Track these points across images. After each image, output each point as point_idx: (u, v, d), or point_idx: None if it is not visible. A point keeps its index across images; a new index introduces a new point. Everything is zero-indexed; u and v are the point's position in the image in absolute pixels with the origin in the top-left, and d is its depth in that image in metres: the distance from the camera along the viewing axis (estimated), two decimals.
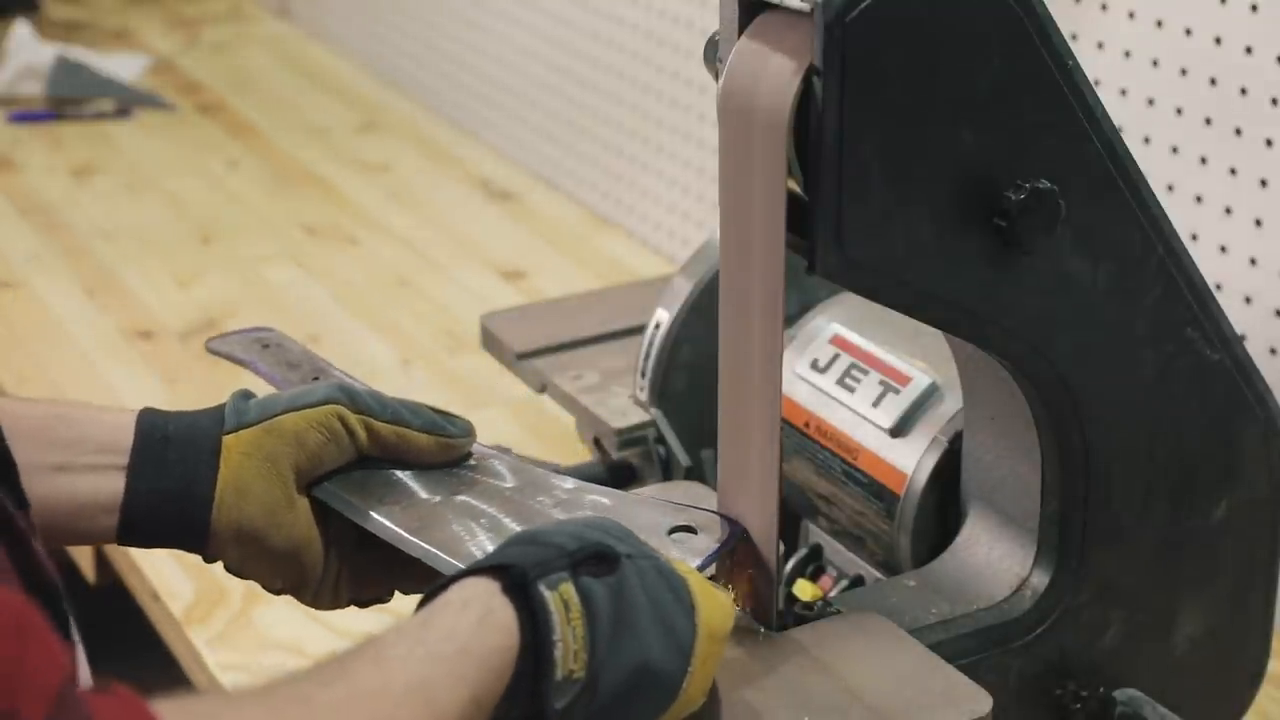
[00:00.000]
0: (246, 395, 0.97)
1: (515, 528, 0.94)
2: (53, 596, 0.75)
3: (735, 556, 0.95)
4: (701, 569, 0.91)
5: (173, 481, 0.93)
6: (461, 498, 0.97)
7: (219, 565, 0.97)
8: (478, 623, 0.78)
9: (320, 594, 0.98)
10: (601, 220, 2.27)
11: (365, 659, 0.76)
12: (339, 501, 0.96)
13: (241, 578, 0.97)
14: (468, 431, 1.00)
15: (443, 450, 0.98)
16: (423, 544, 0.93)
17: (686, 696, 0.84)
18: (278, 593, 0.98)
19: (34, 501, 0.84)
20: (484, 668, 0.77)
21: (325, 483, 0.96)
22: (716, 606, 0.86)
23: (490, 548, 0.91)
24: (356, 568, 0.98)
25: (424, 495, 0.97)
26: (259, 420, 0.95)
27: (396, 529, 0.94)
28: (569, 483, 0.99)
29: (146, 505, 0.93)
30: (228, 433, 0.94)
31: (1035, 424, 0.99)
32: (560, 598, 0.79)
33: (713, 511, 0.97)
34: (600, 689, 0.80)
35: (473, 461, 1.00)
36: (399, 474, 0.98)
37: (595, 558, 0.82)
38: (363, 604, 1.01)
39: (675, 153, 2.11)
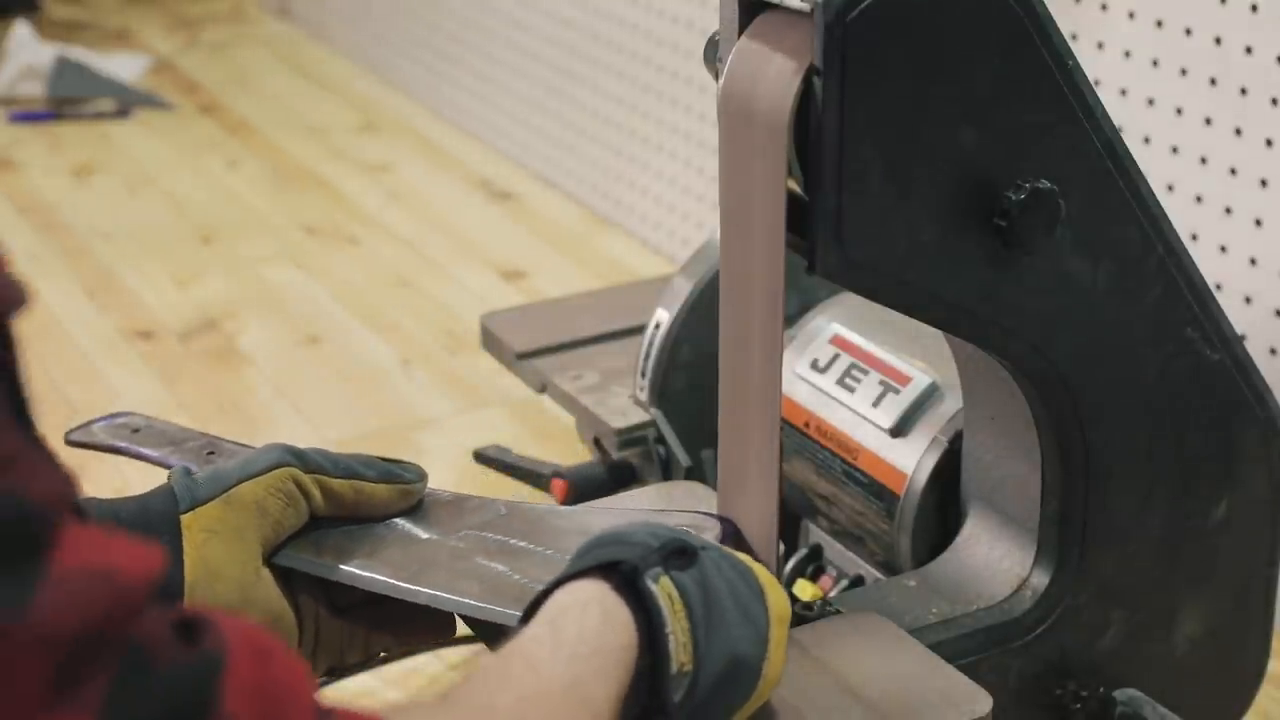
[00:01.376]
0: (188, 471, 0.92)
1: (540, 550, 0.93)
2: None
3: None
4: None
5: None
6: (462, 532, 0.94)
7: None
8: (602, 623, 0.77)
9: None
10: (601, 220, 2.27)
11: (518, 664, 0.75)
12: (308, 565, 0.91)
13: None
14: (421, 476, 0.97)
15: (402, 498, 0.95)
16: (424, 589, 0.90)
17: (765, 682, 0.84)
18: None
19: None
20: (618, 666, 0.77)
21: (284, 549, 0.91)
22: (778, 591, 0.86)
23: (535, 573, 0.90)
24: (333, 632, 0.94)
25: (419, 538, 0.94)
26: (214, 494, 0.89)
27: (392, 581, 0.91)
28: (550, 504, 0.99)
29: None
30: (184, 511, 0.88)
31: (1035, 424, 0.99)
32: (664, 591, 0.79)
33: (700, 512, 0.97)
34: (700, 681, 0.80)
35: (446, 498, 0.98)
36: (355, 528, 0.94)
37: (677, 552, 0.82)
38: (339, 673, 0.96)
39: (675, 153, 2.11)
